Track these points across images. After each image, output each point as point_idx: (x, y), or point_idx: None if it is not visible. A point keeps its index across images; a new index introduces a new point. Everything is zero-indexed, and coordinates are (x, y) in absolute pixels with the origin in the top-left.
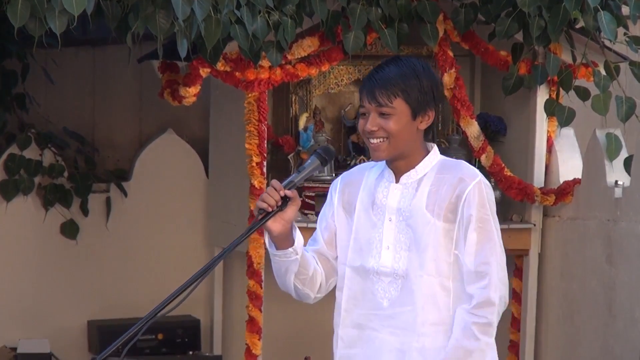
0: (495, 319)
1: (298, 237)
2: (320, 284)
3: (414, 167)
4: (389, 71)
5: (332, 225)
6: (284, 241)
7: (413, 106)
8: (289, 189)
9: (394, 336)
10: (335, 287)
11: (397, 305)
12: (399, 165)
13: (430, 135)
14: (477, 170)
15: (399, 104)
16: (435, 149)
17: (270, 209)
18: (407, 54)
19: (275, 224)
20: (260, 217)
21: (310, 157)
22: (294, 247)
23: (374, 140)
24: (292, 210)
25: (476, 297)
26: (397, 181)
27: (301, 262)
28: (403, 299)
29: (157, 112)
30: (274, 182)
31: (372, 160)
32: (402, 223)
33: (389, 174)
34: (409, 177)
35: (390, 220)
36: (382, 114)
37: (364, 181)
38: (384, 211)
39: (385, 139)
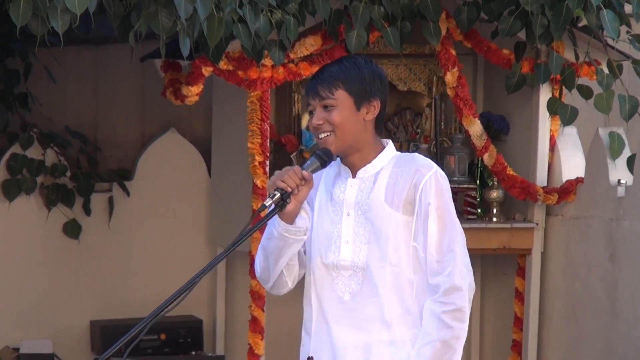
0: (465, 304)
1: (304, 219)
2: (295, 276)
3: (369, 162)
4: (331, 67)
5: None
6: (290, 220)
7: (355, 96)
8: (284, 194)
9: (357, 329)
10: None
11: (359, 298)
12: (354, 160)
13: (380, 128)
14: (432, 162)
15: (340, 95)
16: (390, 145)
17: (289, 190)
18: (409, 52)
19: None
20: (272, 204)
21: (310, 157)
22: (304, 227)
23: (322, 135)
24: (306, 191)
25: (442, 285)
26: (353, 176)
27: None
28: (365, 292)
29: (160, 111)
30: (297, 167)
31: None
32: (361, 217)
33: (345, 170)
34: (365, 172)
35: (348, 215)
36: (325, 107)
37: (323, 177)
38: (342, 206)
39: (331, 133)
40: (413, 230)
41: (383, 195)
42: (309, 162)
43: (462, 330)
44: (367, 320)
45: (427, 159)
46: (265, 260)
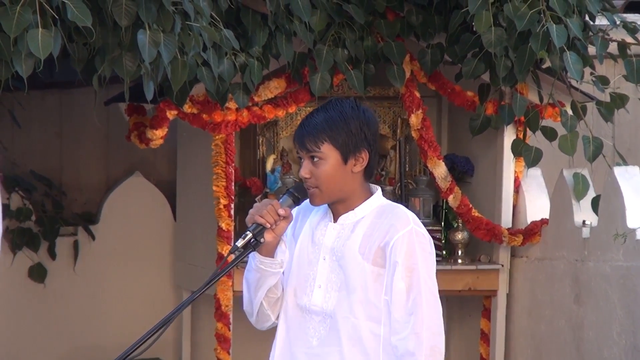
0: None
1: (284, 252)
2: (279, 309)
3: (352, 209)
4: (317, 117)
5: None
6: (268, 252)
7: (342, 150)
8: (258, 232)
9: None
10: None
11: (325, 345)
12: (338, 207)
13: (370, 175)
14: (412, 218)
15: (327, 149)
16: (378, 193)
17: (267, 226)
18: (373, 95)
19: (267, 234)
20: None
21: (282, 195)
22: (280, 260)
23: (309, 189)
24: (284, 226)
25: (398, 348)
26: (335, 221)
27: (278, 279)
28: (331, 339)
29: (124, 155)
30: (275, 202)
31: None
32: (335, 263)
33: (329, 213)
34: (346, 218)
35: (324, 259)
36: (312, 158)
37: (311, 215)
38: (320, 249)
39: (317, 187)
40: (384, 284)
41: (357, 245)
42: (282, 199)
43: None
44: None
45: (407, 213)
46: (248, 292)
